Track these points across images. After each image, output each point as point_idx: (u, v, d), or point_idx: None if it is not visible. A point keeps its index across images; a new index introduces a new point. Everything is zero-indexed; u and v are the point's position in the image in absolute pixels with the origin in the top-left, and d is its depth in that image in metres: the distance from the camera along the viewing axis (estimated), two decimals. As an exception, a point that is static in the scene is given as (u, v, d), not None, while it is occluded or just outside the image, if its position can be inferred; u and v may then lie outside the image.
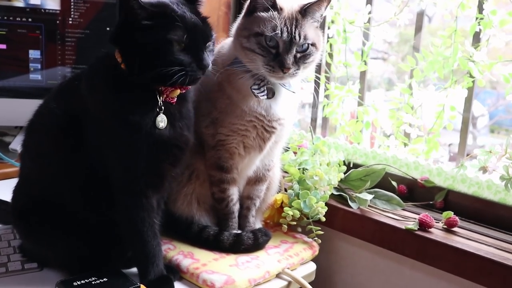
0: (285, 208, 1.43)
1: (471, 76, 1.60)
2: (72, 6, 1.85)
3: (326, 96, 1.91)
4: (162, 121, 1.11)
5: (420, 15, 1.76)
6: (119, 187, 1.14)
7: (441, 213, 1.43)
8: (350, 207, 1.47)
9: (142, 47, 1.06)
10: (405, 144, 1.74)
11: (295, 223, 1.43)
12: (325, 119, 1.97)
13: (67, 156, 1.16)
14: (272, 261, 1.32)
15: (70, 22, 1.86)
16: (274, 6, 1.23)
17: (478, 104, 4.81)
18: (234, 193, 1.37)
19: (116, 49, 1.13)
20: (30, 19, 1.82)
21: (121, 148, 1.12)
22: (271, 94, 1.28)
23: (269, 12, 1.23)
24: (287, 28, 1.21)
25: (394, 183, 1.55)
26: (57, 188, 1.18)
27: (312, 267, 1.41)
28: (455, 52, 1.63)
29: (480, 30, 1.57)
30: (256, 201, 1.41)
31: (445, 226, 1.39)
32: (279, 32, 1.21)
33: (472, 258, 1.27)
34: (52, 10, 1.84)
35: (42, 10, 1.83)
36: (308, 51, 1.23)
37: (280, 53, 1.22)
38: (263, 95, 1.26)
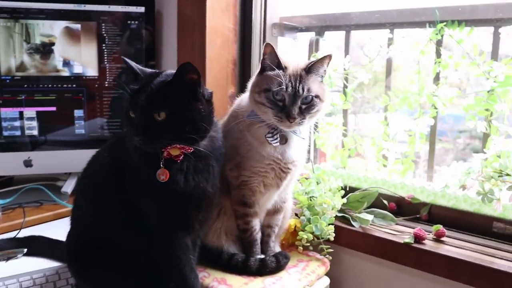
0: (300, 233, 1.28)
1: (435, 108, 1.51)
2: (107, 72, 1.70)
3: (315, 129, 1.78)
4: (162, 174, 0.95)
5: (389, 61, 1.63)
6: (153, 228, 1.01)
7: (428, 225, 1.31)
8: (353, 226, 1.33)
9: None
10: (384, 165, 1.62)
11: (308, 244, 1.28)
12: (315, 149, 1.83)
13: (115, 197, 1.02)
14: (294, 281, 1.17)
15: (106, 84, 1.71)
16: (279, 66, 1.11)
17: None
18: (257, 224, 1.22)
19: None
20: (74, 85, 1.67)
21: (145, 196, 1.00)
22: (284, 140, 1.14)
23: (275, 71, 1.10)
24: (291, 83, 1.08)
25: (385, 202, 1.40)
26: (107, 228, 1.03)
27: (326, 281, 1.26)
28: (421, 89, 1.52)
29: (439, 71, 1.49)
30: (275, 229, 1.27)
31: (435, 237, 1.24)
32: (284, 87, 1.08)
33: (464, 264, 1.14)
34: (92, 76, 1.69)
35: (84, 77, 1.68)
36: (312, 102, 1.09)
37: (286, 105, 1.08)
38: (276, 142, 1.12)
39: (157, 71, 1.00)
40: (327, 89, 1.15)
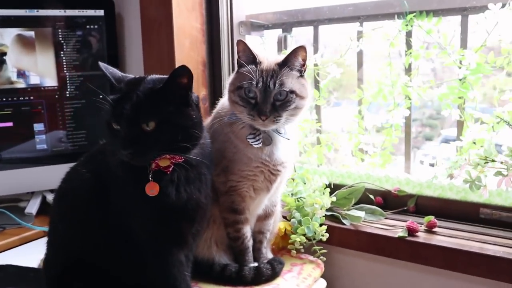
0: (292, 236, 1.23)
1: (408, 99, 1.50)
2: (68, 81, 1.58)
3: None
4: (152, 188, 0.87)
5: (360, 54, 1.62)
6: (144, 247, 0.92)
7: (416, 217, 1.30)
8: (343, 224, 1.29)
9: None
10: (362, 160, 1.60)
11: (302, 247, 1.23)
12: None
13: (99, 217, 0.93)
14: (292, 286, 1.11)
15: (68, 95, 1.58)
16: (254, 61, 1.04)
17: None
18: (248, 231, 1.16)
19: None
20: (32, 97, 1.53)
21: (133, 213, 0.91)
22: (268, 141, 1.07)
23: (248, 67, 1.04)
24: (262, 78, 1.02)
25: (371, 196, 1.38)
26: (92, 251, 0.93)
27: (323, 283, 1.22)
28: (394, 81, 1.52)
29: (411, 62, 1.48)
30: (267, 234, 1.21)
31: (427, 228, 1.23)
32: (255, 83, 1.02)
33: (459, 253, 1.13)
34: (51, 86, 1.56)
35: (42, 88, 1.55)
36: (287, 98, 1.02)
37: (258, 102, 1.02)
38: (258, 144, 1.05)
39: (137, 77, 0.92)
40: (308, 84, 1.09)
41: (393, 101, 1.57)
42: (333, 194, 1.34)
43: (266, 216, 1.19)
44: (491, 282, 1.11)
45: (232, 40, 1.67)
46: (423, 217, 1.28)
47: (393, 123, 1.57)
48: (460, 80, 1.45)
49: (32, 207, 1.60)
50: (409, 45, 1.50)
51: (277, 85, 1.01)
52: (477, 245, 1.14)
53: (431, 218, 1.23)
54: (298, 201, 1.29)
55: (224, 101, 1.14)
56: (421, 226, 1.23)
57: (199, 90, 1.61)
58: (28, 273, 1.19)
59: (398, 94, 1.55)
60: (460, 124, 1.47)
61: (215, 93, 1.66)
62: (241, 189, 1.09)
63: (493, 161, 1.18)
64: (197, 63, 1.59)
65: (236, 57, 1.11)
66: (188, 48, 1.54)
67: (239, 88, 1.04)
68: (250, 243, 1.16)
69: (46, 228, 1.48)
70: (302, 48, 1.03)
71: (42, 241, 1.45)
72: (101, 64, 0.88)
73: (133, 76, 0.92)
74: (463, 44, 1.44)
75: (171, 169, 0.89)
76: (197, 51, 1.58)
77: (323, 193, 1.29)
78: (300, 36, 1.81)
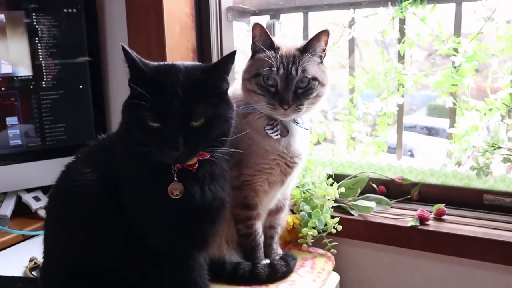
0: (303, 230, 1.17)
1: (402, 86, 1.49)
2: (44, 70, 1.43)
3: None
4: (176, 189, 0.79)
5: (352, 41, 1.58)
6: (162, 251, 0.83)
7: (422, 205, 1.29)
8: (351, 215, 1.25)
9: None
10: (354, 148, 1.58)
11: (313, 240, 1.18)
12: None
13: (109, 220, 0.82)
14: (309, 282, 1.06)
15: (44, 85, 1.44)
16: (272, 46, 0.97)
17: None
18: (259, 226, 1.09)
19: None
20: (3, 88, 1.38)
21: (151, 216, 0.82)
22: (286, 132, 1.01)
23: (266, 52, 0.96)
24: (283, 65, 0.95)
25: (374, 186, 1.35)
26: (102, 257, 0.83)
27: (336, 277, 1.18)
28: (391, 68, 1.50)
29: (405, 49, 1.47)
30: (278, 229, 1.15)
31: (436, 216, 1.22)
32: (275, 69, 0.95)
33: (471, 240, 1.12)
34: (25, 76, 1.41)
35: (15, 78, 1.40)
36: (309, 86, 0.97)
37: (279, 90, 0.95)
38: (277, 135, 0.99)
39: (164, 63, 0.80)
40: (327, 71, 1.04)
41: (386, 89, 1.56)
42: (338, 185, 1.30)
43: (277, 210, 1.13)
44: (503, 268, 1.11)
45: (220, 26, 1.58)
46: (428, 205, 1.27)
47: (386, 111, 1.56)
48: (454, 67, 1.45)
49: (7, 209, 1.45)
50: (402, 33, 1.48)
51: (299, 71, 0.95)
52: (488, 231, 1.14)
53: (441, 206, 1.21)
54: (304, 193, 1.24)
55: (234, 91, 1.05)
56: (430, 214, 1.22)
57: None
58: (15, 283, 1.07)
59: (392, 81, 1.54)
60: (452, 112, 1.47)
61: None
62: (255, 183, 1.02)
63: (499, 147, 1.18)
64: (187, 50, 1.49)
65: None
66: (178, 34, 1.44)
67: (257, 76, 0.96)
68: (261, 239, 1.10)
69: (25, 232, 1.35)
70: (325, 32, 0.97)
71: (22, 247, 1.33)
72: (124, 46, 0.76)
73: (155, 62, 0.81)
74: (457, 31, 1.44)
75: (196, 166, 0.80)
76: (187, 38, 1.48)
77: (331, 184, 1.25)
78: (289, 23, 1.75)
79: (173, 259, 0.82)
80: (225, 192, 0.86)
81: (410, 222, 1.18)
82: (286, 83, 0.95)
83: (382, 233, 1.20)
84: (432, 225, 1.18)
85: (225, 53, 1.63)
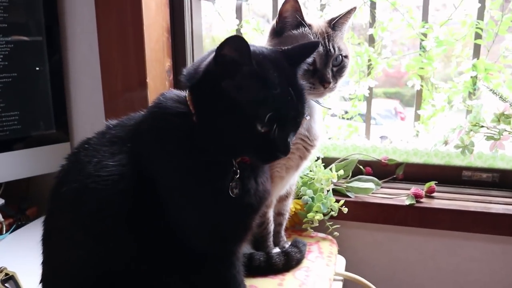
0: (309, 214, 1.14)
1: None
2: (-6, 49, 1.22)
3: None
4: (236, 187, 0.71)
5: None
6: (204, 250, 0.74)
7: (408, 183, 1.33)
8: (348, 197, 1.24)
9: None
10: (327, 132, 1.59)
11: (317, 224, 1.15)
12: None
13: (143, 221, 0.70)
14: (323, 266, 1.04)
15: (-6, 66, 1.23)
16: (302, 24, 0.92)
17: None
18: (271, 214, 1.04)
19: (187, 92, 0.71)
20: None
21: (198, 214, 0.72)
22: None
23: (300, 29, 0.91)
24: (321, 42, 0.91)
25: (361, 167, 1.36)
26: (134, 263, 0.72)
27: (342, 260, 1.17)
28: (366, 51, 1.53)
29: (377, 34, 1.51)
30: (286, 215, 1.10)
31: (427, 194, 1.25)
32: None
33: (464, 214, 1.18)
34: (-29, 55, 1.19)
35: (-41, 57, 1.17)
36: (342, 63, 0.95)
37: (318, 68, 0.91)
38: (307, 116, 0.94)
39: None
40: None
41: (358, 72, 1.58)
42: (329, 167, 1.28)
43: (286, 196, 1.09)
44: (490, 237, 1.18)
45: (191, 4, 1.47)
46: (412, 184, 1.31)
47: (358, 94, 1.58)
48: (424, 52, 1.51)
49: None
50: (373, 17, 1.51)
51: (336, 49, 0.92)
52: (477, 205, 1.20)
53: (432, 183, 1.26)
54: (302, 177, 1.20)
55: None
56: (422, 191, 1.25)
57: (164, 61, 1.39)
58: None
59: (364, 65, 1.57)
60: (419, 94, 1.54)
61: (178, 65, 1.45)
62: (273, 170, 0.96)
63: (482, 126, 1.25)
64: (162, 29, 1.36)
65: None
66: (154, 12, 1.31)
67: None
68: (272, 227, 1.05)
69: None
70: (354, 9, 0.96)
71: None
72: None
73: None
74: (425, 17, 1.49)
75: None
76: (162, 15, 1.35)
77: (324, 168, 1.23)
78: (257, 4, 1.69)
79: (216, 257, 0.75)
80: (268, 183, 0.79)
81: (406, 200, 1.21)
82: (326, 61, 0.91)
83: (381, 213, 1.21)
84: (425, 202, 1.22)
85: (195, 34, 1.54)
